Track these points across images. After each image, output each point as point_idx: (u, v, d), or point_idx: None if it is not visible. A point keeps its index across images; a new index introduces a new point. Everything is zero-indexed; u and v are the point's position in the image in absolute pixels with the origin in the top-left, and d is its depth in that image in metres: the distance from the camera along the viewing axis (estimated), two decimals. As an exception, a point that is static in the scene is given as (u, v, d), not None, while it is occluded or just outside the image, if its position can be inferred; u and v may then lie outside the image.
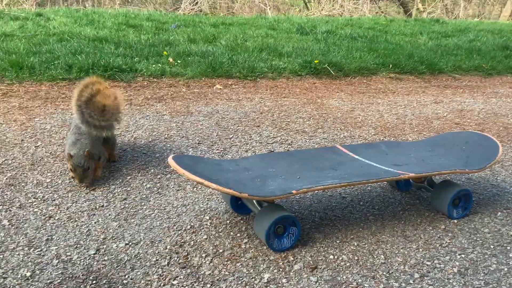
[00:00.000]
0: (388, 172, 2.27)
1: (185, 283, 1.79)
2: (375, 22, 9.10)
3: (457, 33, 8.41)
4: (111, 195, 2.44)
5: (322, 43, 6.63)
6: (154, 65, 4.92)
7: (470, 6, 17.83)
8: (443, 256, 2.05)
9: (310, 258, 1.98)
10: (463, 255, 2.07)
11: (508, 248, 2.13)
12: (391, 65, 5.67)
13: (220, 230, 2.16)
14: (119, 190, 2.49)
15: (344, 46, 6.50)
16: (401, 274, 1.92)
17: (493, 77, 5.97)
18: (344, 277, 1.88)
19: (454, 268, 1.97)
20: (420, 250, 2.09)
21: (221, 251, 2.00)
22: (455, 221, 2.36)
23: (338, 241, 2.13)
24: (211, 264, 1.91)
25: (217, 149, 3.13)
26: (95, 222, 2.17)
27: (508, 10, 16.70)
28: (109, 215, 2.25)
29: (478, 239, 2.21)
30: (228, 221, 2.24)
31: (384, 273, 1.92)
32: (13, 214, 2.21)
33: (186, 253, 1.97)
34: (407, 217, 2.38)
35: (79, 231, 2.10)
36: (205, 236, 2.10)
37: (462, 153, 2.56)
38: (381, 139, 3.51)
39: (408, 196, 2.64)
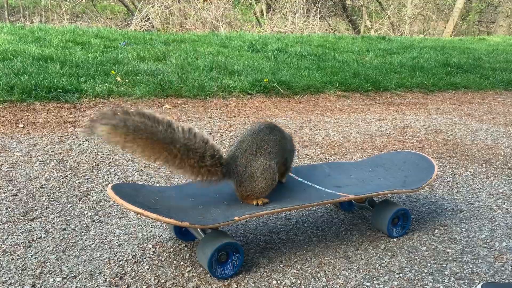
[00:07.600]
0: (329, 194, 2.32)
1: (124, 317, 1.75)
2: (324, 39, 9.34)
3: (401, 50, 8.76)
4: (50, 225, 2.36)
5: (273, 61, 6.73)
6: (101, 85, 4.83)
7: (415, 22, 18.64)
8: (382, 276, 2.11)
9: (253, 285, 1.99)
10: (401, 274, 2.14)
11: (444, 265, 2.22)
12: (338, 83, 5.82)
13: (163, 259, 2.13)
14: (58, 220, 2.41)
15: (293, 64, 6.63)
16: (342, 296, 1.96)
17: (435, 93, 6.25)
18: (286, 302, 1.90)
19: (392, 288, 2.03)
20: (361, 271, 2.14)
21: (163, 281, 1.97)
22: (395, 239, 2.44)
23: (281, 265, 2.15)
24: (152, 295, 1.88)
25: (164, 173, 3.10)
26: (31, 256, 2.09)
27: (450, 27, 17.61)
28: (47, 247, 2.17)
29: (416, 257, 2.29)
30: (171, 249, 2.22)
31: (325, 296, 1.95)
32: None
33: (126, 285, 1.92)
34: (349, 237, 2.44)
35: (14, 265, 2.01)
36: (147, 266, 2.07)
37: (400, 173, 2.66)
38: (327, 158, 3.58)
39: (351, 215, 2.70)
